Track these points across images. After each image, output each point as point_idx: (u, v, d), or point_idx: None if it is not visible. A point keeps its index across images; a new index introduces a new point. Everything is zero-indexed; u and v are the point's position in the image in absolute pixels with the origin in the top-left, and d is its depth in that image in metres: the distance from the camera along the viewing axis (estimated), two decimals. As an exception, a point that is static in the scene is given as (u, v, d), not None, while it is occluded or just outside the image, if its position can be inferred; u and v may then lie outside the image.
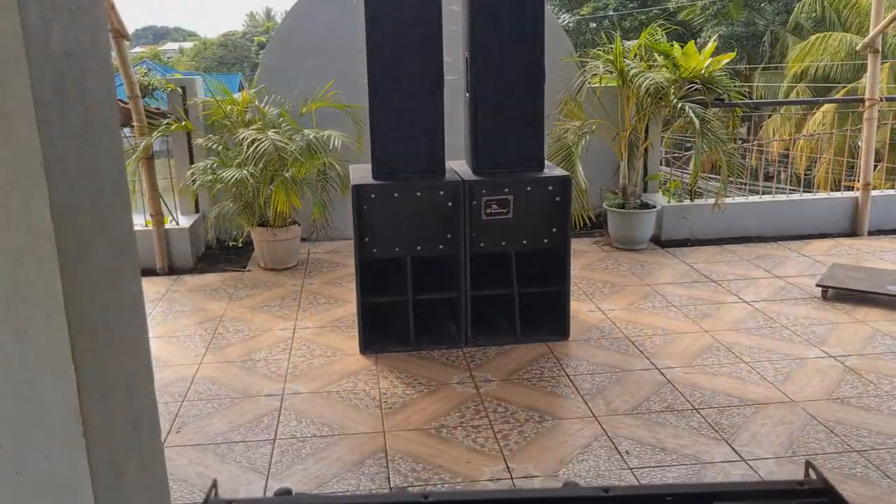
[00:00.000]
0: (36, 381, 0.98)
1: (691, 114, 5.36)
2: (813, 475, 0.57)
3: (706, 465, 2.93)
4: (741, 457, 2.98)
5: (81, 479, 1.02)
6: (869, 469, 2.88)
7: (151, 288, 5.21)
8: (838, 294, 4.70)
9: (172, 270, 5.55)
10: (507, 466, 2.95)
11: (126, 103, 5.37)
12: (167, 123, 5.47)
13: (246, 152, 5.17)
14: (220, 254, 5.94)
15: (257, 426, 3.30)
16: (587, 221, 5.75)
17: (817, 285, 4.75)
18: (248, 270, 5.56)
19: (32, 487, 1.01)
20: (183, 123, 5.54)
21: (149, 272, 5.47)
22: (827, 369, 3.74)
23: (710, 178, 7.76)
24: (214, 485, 0.58)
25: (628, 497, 0.55)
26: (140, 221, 5.73)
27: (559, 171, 4.19)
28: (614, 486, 0.50)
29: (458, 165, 4.24)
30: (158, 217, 5.47)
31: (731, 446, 3.06)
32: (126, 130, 5.45)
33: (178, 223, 5.75)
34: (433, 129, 3.97)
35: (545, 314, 4.21)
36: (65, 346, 0.96)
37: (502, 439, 3.14)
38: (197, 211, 5.99)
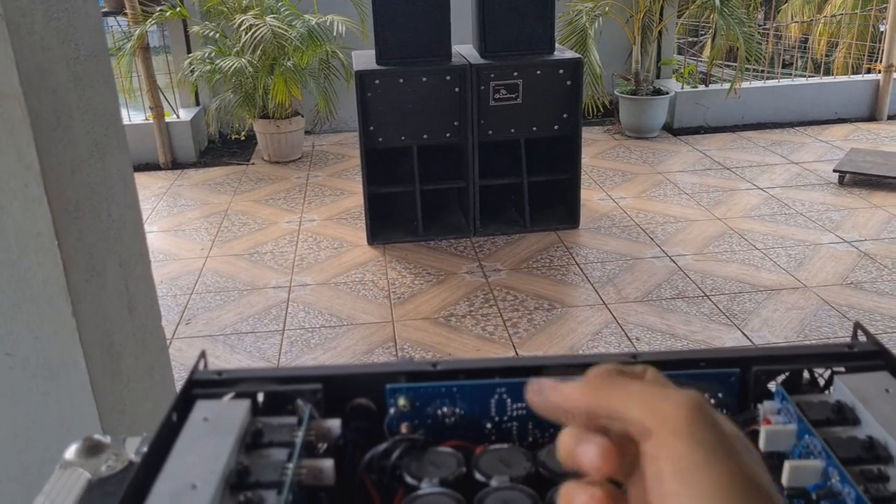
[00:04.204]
0: (19, 259, 0.92)
1: (709, -9, 5.10)
2: (862, 338, 0.50)
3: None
4: (752, 341, 2.96)
5: (75, 360, 0.98)
6: (881, 352, 2.87)
7: (155, 182, 5.14)
8: (855, 179, 4.59)
9: (176, 165, 5.45)
10: (517, 354, 2.94)
11: (118, -10, 5.15)
12: (161, 10, 5.25)
13: (243, 39, 4.98)
14: (222, 147, 5.83)
15: (266, 317, 3.30)
16: (601, 108, 5.56)
17: (834, 170, 4.64)
18: (252, 164, 5.47)
19: (25, 369, 0.97)
20: (178, 10, 5.31)
21: (152, 167, 5.39)
22: (841, 255, 3.68)
23: (725, 65, 7.49)
24: (203, 355, 0.52)
25: (657, 363, 0.48)
26: (141, 116, 5.60)
27: (570, 54, 4.01)
28: (642, 352, 0.47)
29: (465, 49, 4.06)
30: (158, 110, 5.32)
31: (742, 331, 3.04)
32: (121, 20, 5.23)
33: (178, 116, 5.61)
34: (439, 11, 3.78)
35: (555, 203, 4.13)
36: (46, 220, 0.89)
37: (512, 327, 3.13)
38: (197, 104, 5.83)
